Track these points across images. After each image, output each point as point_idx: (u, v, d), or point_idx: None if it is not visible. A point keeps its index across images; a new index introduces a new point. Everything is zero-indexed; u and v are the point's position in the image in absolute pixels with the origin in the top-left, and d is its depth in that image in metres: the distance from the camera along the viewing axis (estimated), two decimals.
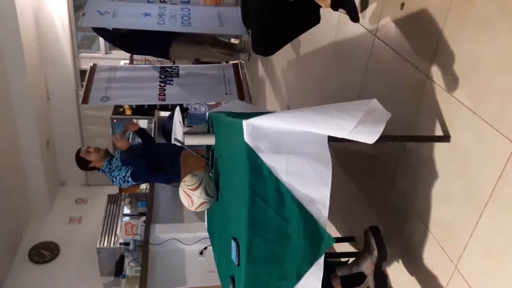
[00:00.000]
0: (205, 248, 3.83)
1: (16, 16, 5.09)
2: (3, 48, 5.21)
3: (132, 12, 4.58)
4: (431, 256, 1.68)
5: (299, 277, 1.40)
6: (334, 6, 2.04)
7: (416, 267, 1.76)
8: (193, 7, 4.86)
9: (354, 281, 1.79)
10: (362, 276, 1.77)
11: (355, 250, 2.24)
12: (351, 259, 1.91)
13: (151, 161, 3.17)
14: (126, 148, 3.22)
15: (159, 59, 6.88)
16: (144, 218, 4.59)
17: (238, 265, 1.47)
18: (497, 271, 1.35)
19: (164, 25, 4.41)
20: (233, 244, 1.50)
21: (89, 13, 4.45)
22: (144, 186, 5.79)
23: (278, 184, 1.37)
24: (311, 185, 1.38)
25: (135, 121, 5.77)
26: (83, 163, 3.28)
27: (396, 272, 1.90)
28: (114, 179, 3.16)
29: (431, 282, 1.67)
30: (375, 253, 1.74)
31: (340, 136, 1.38)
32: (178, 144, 2.26)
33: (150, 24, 4.31)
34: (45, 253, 5.84)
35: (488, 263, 1.38)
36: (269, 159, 1.37)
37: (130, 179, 3.10)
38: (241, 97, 4.95)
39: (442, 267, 1.60)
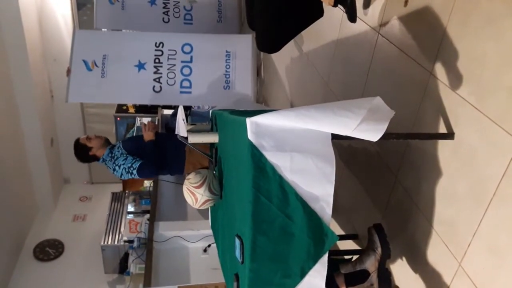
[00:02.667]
0: (209, 245, 3.85)
1: (19, 15, 5.11)
2: (7, 47, 5.24)
3: (123, 64, 3.84)
4: (435, 254, 1.68)
5: (303, 274, 1.40)
6: (335, 3, 2.04)
7: (420, 264, 1.76)
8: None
9: (358, 278, 1.79)
10: (365, 274, 1.78)
11: (358, 248, 2.24)
12: (355, 257, 1.91)
13: (157, 153, 3.02)
14: (148, 140, 3.03)
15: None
16: (148, 215, 4.61)
17: (242, 262, 1.47)
18: (502, 269, 1.35)
19: (160, 93, 3.76)
20: (237, 241, 1.51)
21: (76, 72, 3.83)
22: (147, 184, 5.82)
23: (282, 182, 1.37)
24: (315, 183, 1.38)
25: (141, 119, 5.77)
26: (82, 151, 3.08)
27: (400, 269, 1.90)
28: (117, 167, 2.96)
29: (435, 280, 1.67)
30: (379, 250, 1.74)
31: (343, 134, 1.38)
32: (182, 140, 2.26)
33: (145, 91, 3.68)
34: (49, 250, 5.88)
35: (492, 261, 1.38)
36: (273, 157, 1.37)
37: (135, 172, 2.93)
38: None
39: (446, 265, 1.60)
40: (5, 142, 5.39)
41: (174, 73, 3.90)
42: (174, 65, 3.93)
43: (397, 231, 1.91)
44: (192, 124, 2.49)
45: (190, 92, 3.85)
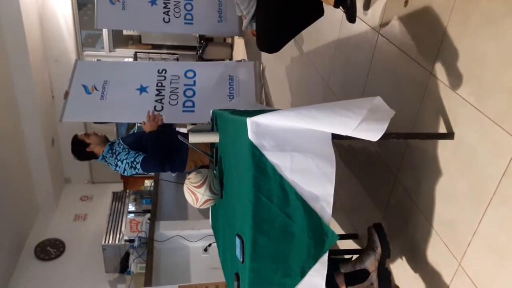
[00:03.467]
0: (209, 245, 3.85)
1: (20, 16, 5.12)
2: (8, 47, 5.25)
3: (124, 86, 3.88)
4: (434, 253, 1.68)
5: (303, 274, 1.40)
6: (337, 4, 2.04)
7: (420, 264, 1.76)
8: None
9: (358, 277, 1.80)
10: (365, 273, 1.78)
11: (358, 247, 2.24)
12: (355, 256, 1.91)
13: (160, 149, 2.94)
14: (149, 130, 2.92)
15: (162, 56, 6.92)
16: (148, 215, 4.62)
17: (243, 262, 1.48)
18: (501, 268, 1.35)
19: (162, 112, 3.72)
20: (238, 241, 1.51)
21: (74, 95, 3.82)
22: (148, 184, 5.83)
23: (282, 182, 1.37)
24: (315, 183, 1.39)
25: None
26: (80, 148, 2.96)
27: (400, 269, 1.91)
28: (119, 162, 2.87)
29: (434, 279, 1.67)
30: (379, 250, 1.75)
31: (344, 134, 1.38)
32: (183, 140, 2.26)
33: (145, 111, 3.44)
34: (50, 250, 5.89)
35: (492, 260, 1.39)
36: (273, 157, 1.37)
37: (139, 165, 2.84)
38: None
39: (446, 264, 1.61)
40: (6, 142, 5.40)
41: (177, 95, 3.94)
42: (177, 88, 3.99)
43: (397, 230, 1.92)
44: (192, 124, 2.49)
45: (193, 111, 3.90)
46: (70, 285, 5.21)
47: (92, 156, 3.00)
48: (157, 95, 3.92)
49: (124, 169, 2.91)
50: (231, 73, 4.13)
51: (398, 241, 1.90)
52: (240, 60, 4.67)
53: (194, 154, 3.09)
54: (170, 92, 3.96)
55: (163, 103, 3.89)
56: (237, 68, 4.21)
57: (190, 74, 4.11)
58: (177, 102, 3.90)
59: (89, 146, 2.95)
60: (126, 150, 2.93)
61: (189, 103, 3.93)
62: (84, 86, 3.93)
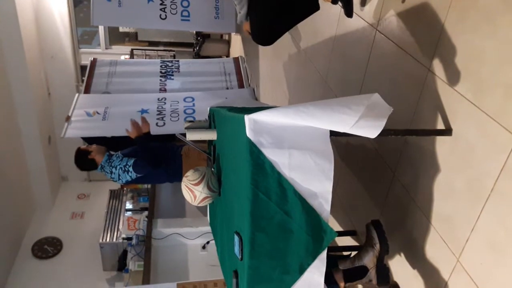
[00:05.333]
0: (207, 242, 3.86)
1: (16, 12, 5.08)
2: (4, 45, 5.21)
3: (126, 110, 4.18)
4: (433, 250, 1.69)
5: (302, 271, 1.41)
6: (334, 0, 2.03)
7: (418, 260, 1.77)
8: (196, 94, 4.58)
9: (356, 274, 1.80)
10: (364, 270, 1.78)
11: (357, 244, 2.24)
12: (353, 253, 1.91)
13: (150, 151, 3.02)
14: (134, 136, 3.02)
15: (159, 53, 6.89)
16: (146, 213, 4.62)
17: (241, 259, 1.47)
18: (499, 264, 1.36)
19: (164, 127, 4.04)
20: (236, 238, 1.51)
21: (76, 118, 4.11)
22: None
23: (280, 179, 1.37)
24: (314, 180, 1.38)
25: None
26: (82, 156, 3.09)
27: (398, 265, 1.91)
28: (113, 169, 2.98)
29: (433, 275, 1.68)
30: (377, 246, 1.75)
31: (342, 131, 1.38)
32: (181, 138, 2.25)
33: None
34: (48, 248, 5.88)
35: (490, 256, 1.39)
36: (271, 154, 1.37)
37: (131, 168, 2.92)
38: (242, 89, 4.96)
39: (444, 261, 1.61)
40: (3, 140, 5.38)
41: (178, 113, 4.30)
42: (177, 108, 4.35)
43: (395, 227, 1.92)
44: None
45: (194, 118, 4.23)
46: (68, 283, 5.20)
47: (93, 166, 3.11)
48: (158, 114, 4.23)
49: (119, 175, 3.00)
50: (228, 96, 4.57)
51: (397, 237, 1.90)
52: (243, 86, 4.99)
53: (189, 160, 3.11)
54: (171, 111, 4.33)
55: (164, 121, 4.19)
56: (236, 96, 4.63)
57: (189, 100, 4.51)
58: (178, 119, 4.23)
59: (91, 154, 3.07)
60: (120, 157, 3.03)
61: (190, 118, 4.27)
62: (87, 112, 4.20)
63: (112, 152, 3.18)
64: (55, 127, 6.81)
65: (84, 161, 3.10)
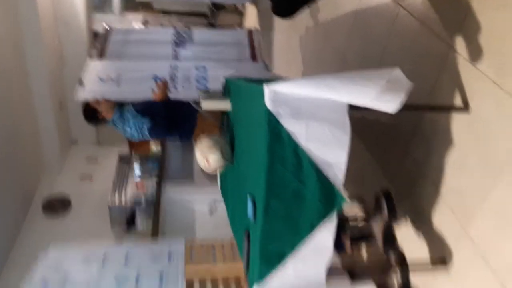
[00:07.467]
0: (215, 207, 3.90)
1: None
2: (20, 10, 5.20)
3: (139, 75, 4.28)
4: (440, 219, 1.72)
5: (312, 228, 1.43)
6: None
7: (425, 228, 1.81)
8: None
9: (364, 240, 1.84)
10: (371, 236, 1.83)
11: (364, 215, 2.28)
12: (361, 223, 1.96)
13: (169, 116, 2.94)
14: (160, 99, 2.97)
15: (173, 22, 6.83)
16: (155, 178, 4.68)
17: (255, 222, 1.52)
18: (507, 237, 1.39)
19: (176, 93, 4.04)
20: (250, 202, 1.55)
21: (89, 82, 4.22)
22: (154, 148, 5.87)
23: (296, 149, 1.40)
24: (329, 150, 1.41)
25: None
26: (91, 114, 2.98)
27: (405, 234, 1.94)
28: (128, 128, 2.89)
29: (439, 243, 1.72)
30: (385, 213, 1.78)
31: (362, 104, 1.39)
32: (195, 107, 2.26)
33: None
34: (57, 206, 6.00)
35: (499, 230, 1.42)
36: (289, 124, 1.39)
37: (146, 132, 2.86)
38: (255, 62, 4.93)
39: (451, 230, 1.65)
40: (15, 101, 5.42)
41: (190, 81, 4.38)
42: (190, 76, 4.41)
43: (404, 197, 1.95)
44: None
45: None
46: (77, 241, 5.34)
47: (103, 121, 3.00)
48: (170, 81, 4.22)
49: (132, 134, 2.94)
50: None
51: (405, 207, 1.93)
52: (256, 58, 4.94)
53: (203, 123, 3.09)
54: (183, 79, 4.37)
55: (177, 87, 4.23)
56: (249, 68, 4.57)
57: (201, 69, 4.57)
58: (190, 86, 4.27)
59: (100, 114, 2.95)
60: (135, 116, 2.95)
61: (201, 87, 4.29)
62: (100, 77, 4.26)
63: (121, 105, 3.02)
64: (67, 92, 6.84)
65: (92, 117, 3.00)
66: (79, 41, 6.68)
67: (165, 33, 5.25)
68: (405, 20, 2.01)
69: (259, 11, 5.36)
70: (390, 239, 1.80)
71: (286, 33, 4.13)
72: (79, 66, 6.72)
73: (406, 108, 1.53)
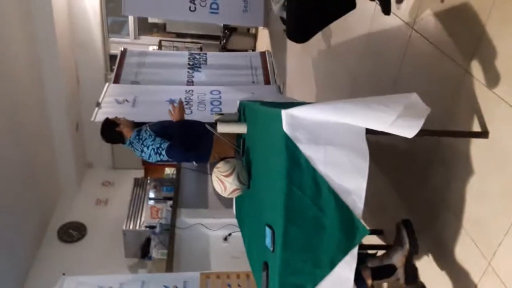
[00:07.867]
0: (230, 234, 3.90)
1: (50, 5, 5.22)
2: (38, 34, 5.36)
3: (154, 99, 4.37)
4: (463, 252, 1.68)
5: (333, 265, 1.42)
6: None
7: (447, 262, 1.76)
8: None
9: (384, 272, 1.81)
10: (392, 269, 1.79)
11: (383, 243, 2.24)
12: (380, 252, 1.92)
13: (186, 137, 2.90)
14: (176, 120, 2.88)
15: (187, 45, 6.96)
16: (169, 202, 4.69)
17: (273, 251, 1.50)
18: None
19: (191, 115, 4.11)
20: (268, 230, 1.53)
21: (106, 104, 4.32)
22: (169, 172, 5.91)
23: (315, 174, 1.39)
24: (348, 177, 1.40)
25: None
26: (109, 128, 2.95)
27: (426, 266, 1.90)
28: (145, 148, 2.86)
29: (462, 278, 1.67)
30: (407, 246, 1.75)
31: (379, 129, 1.38)
32: (210, 129, 2.27)
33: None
34: (72, 232, 6.03)
35: None
36: (307, 150, 1.39)
37: (164, 152, 2.82)
38: (268, 85, 4.98)
39: (475, 263, 1.60)
40: (32, 126, 5.54)
41: (204, 104, 4.47)
42: (205, 99, 4.51)
43: (425, 228, 1.91)
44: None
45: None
46: (91, 268, 5.34)
47: (120, 139, 2.99)
48: (185, 104, 4.30)
49: (150, 155, 2.92)
50: (254, 91, 4.59)
51: (426, 238, 1.89)
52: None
53: (219, 145, 3.09)
54: (198, 102, 4.45)
55: (191, 110, 4.31)
56: (263, 91, 4.72)
57: (215, 92, 4.64)
58: (205, 109, 4.35)
59: (119, 127, 2.94)
60: (153, 136, 2.95)
61: (216, 109, 4.38)
62: (116, 100, 4.37)
63: (140, 127, 3.01)
64: (83, 114, 6.96)
65: (111, 132, 2.96)
66: (96, 64, 6.86)
67: (181, 56, 5.35)
68: (419, 43, 2.01)
69: (271, 33, 5.43)
70: (412, 273, 1.77)
71: (299, 55, 4.16)
72: (95, 88, 6.89)
73: (425, 133, 1.52)
